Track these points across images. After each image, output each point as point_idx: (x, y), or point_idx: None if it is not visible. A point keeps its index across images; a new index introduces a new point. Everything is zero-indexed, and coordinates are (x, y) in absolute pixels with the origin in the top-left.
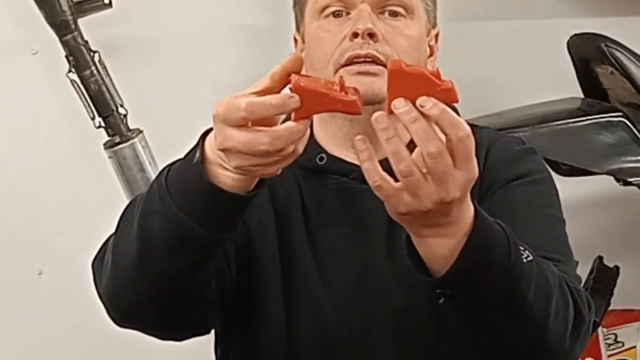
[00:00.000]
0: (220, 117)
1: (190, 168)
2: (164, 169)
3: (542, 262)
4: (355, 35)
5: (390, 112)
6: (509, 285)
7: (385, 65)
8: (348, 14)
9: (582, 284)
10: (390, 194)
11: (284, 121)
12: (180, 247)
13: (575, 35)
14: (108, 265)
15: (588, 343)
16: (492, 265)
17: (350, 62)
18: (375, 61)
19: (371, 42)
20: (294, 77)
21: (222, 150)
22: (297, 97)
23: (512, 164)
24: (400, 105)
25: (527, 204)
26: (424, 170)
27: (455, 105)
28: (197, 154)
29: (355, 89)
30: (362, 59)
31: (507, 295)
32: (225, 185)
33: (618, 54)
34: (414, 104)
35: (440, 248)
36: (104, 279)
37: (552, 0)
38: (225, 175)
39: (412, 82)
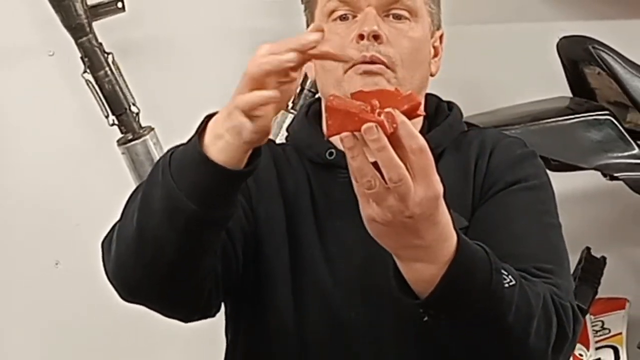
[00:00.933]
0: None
1: (189, 143)
2: (172, 147)
3: (527, 284)
4: (361, 37)
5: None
6: (489, 309)
7: (387, 66)
8: (355, 17)
9: (572, 283)
10: (361, 193)
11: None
12: (173, 219)
13: (564, 37)
14: (114, 242)
15: (577, 342)
16: (472, 291)
17: (357, 64)
18: (378, 62)
19: (376, 43)
20: (329, 98)
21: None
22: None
23: (513, 167)
24: (371, 133)
25: (525, 210)
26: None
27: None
28: (199, 128)
29: (388, 113)
30: (368, 61)
31: (487, 317)
32: (213, 156)
33: (605, 56)
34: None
35: (422, 273)
36: (110, 256)
37: (542, 5)
38: (218, 148)
39: (376, 99)
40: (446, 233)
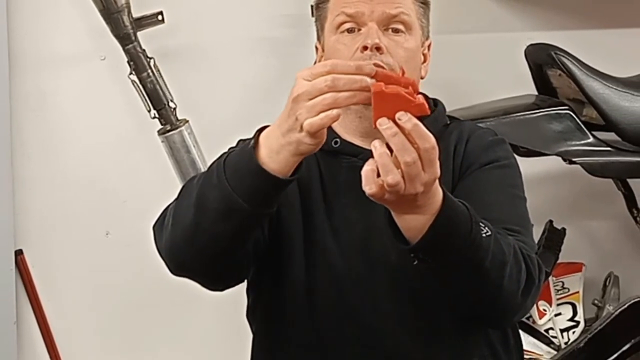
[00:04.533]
0: (304, 74)
1: (245, 152)
2: (224, 153)
3: (500, 236)
4: (365, 48)
5: (375, 126)
6: (469, 254)
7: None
8: (359, 30)
9: (536, 244)
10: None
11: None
12: (227, 216)
13: (531, 44)
14: (168, 226)
15: (541, 290)
16: (455, 238)
17: None
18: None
19: (378, 54)
20: (375, 85)
21: (294, 99)
22: (372, 66)
23: (486, 150)
24: (383, 122)
25: (497, 184)
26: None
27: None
28: (252, 142)
29: (424, 95)
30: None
31: (467, 261)
32: (268, 167)
33: (565, 60)
34: (394, 117)
35: (413, 222)
36: (163, 238)
37: (512, 18)
38: (275, 161)
39: (391, 101)
40: (434, 191)
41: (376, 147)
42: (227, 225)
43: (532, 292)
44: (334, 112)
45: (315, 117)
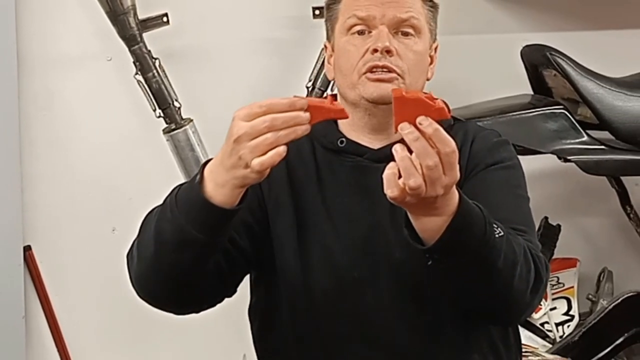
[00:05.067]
0: (241, 115)
1: (192, 187)
2: (175, 187)
3: (511, 236)
4: (375, 50)
5: (397, 131)
6: (483, 254)
7: (398, 74)
8: (370, 32)
9: (539, 243)
10: (401, 198)
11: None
12: (183, 246)
13: (527, 45)
14: (134, 259)
15: (546, 288)
16: (471, 239)
17: (370, 70)
18: (389, 70)
19: (388, 56)
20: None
21: (235, 141)
22: (304, 100)
23: (491, 151)
24: (405, 127)
25: (502, 185)
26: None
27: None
28: (198, 177)
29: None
30: (380, 68)
31: (481, 261)
32: (215, 200)
33: (560, 61)
34: (415, 122)
35: (430, 224)
36: (132, 269)
37: (509, 19)
38: (221, 194)
39: (412, 106)
40: (451, 193)
41: (397, 151)
42: (185, 254)
43: (540, 291)
44: (282, 148)
45: (264, 157)
